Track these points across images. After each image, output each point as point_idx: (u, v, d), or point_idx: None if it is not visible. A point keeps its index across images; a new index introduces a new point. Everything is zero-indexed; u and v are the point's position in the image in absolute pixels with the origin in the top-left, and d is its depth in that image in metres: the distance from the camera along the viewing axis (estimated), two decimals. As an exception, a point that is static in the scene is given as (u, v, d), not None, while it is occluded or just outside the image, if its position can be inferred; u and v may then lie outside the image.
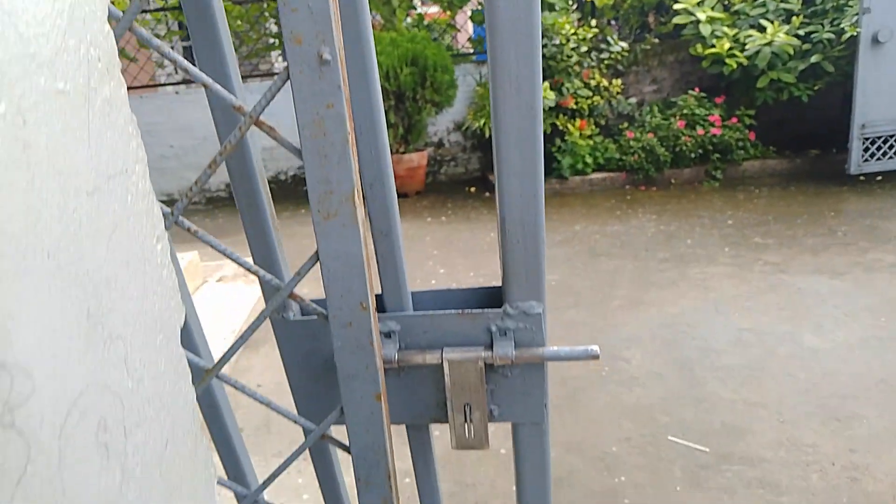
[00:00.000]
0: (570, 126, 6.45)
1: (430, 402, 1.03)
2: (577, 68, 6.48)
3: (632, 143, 6.38)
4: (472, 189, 6.92)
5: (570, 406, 3.27)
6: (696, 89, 6.63)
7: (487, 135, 6.38)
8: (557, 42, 6.32)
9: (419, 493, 1.14)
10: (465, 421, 1.01)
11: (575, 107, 6.49)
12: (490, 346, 0.93)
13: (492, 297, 1.01)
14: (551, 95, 6.27)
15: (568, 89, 6.39)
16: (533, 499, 1.06)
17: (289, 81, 0.68)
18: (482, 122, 6.55)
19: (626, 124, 6.81)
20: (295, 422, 0.90)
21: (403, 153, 6.25)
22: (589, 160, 6.35)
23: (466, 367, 0.95)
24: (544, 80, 6.30)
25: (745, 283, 4.19)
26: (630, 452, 2.90)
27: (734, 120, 6.36)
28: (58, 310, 0.37)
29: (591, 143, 6.46)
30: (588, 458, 2.85)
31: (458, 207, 6.18)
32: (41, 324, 0.35)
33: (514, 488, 1.07)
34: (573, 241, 5.12)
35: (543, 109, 6.17)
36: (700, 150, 6.27)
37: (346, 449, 0.89)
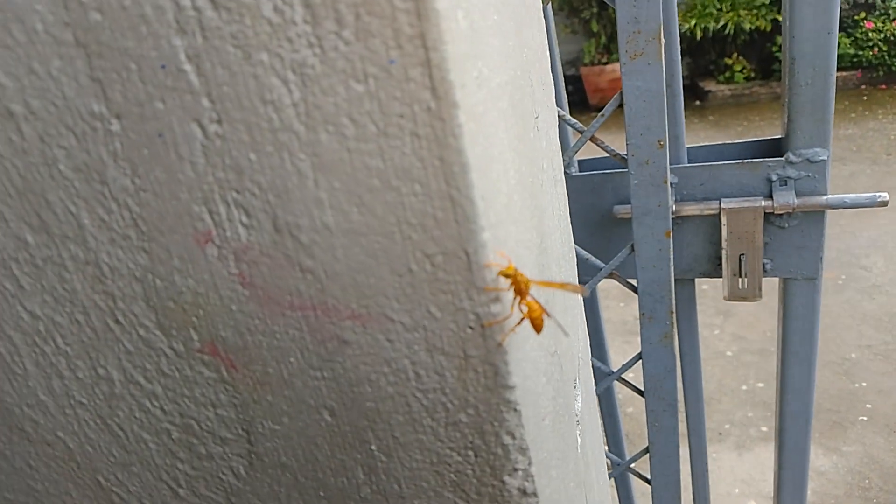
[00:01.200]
0: (796, 18, 5.75)
1: (701, 255, 1.09)
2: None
3: (871, 34, 5.55)
4: (679, 97, 6.51)
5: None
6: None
7: (699, 37, 5.91)
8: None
9: (680, 351, 1.22)
10: (739, 273, 1.05)
11: (802, -4, 5.75)
12: (769, 196, 0.96)
13: (767, 150, 1.03)
14: (774, -15, 5.63)
15: (795, -24, 5.67)
16: (800, 358, 1.08)
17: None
18: (692, 23, 6.08)
19: (863, 14, 5.91)
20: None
21: (606, 64, 6.06)
22: (818, 56, 5.65)
23: (744, 216, 0.99)
24: (766, -33, 5.64)
25: None
26: (871, 359, 2.74)
27: None
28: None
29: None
30: (825, 362, 2.74)
31: (664, 117, 5.87)
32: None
33: (777, 346, 1.10)
34: (800, 145, 4.69)
35: (762, 3, 5.58)
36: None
37: (633, 288, 1.00)
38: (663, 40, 0.83)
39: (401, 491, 0.49)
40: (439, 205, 0.40)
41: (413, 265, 0.41)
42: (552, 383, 0.56)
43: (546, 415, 0.52)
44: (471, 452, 0.46)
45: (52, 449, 0.56)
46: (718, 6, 5.65)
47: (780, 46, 5.87)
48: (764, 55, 5.89)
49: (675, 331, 1.01)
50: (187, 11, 0.37)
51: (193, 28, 0.38)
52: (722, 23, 5.65)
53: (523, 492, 0.47)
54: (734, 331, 3.07)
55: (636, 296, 1.09)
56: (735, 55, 5.99)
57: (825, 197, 0.94)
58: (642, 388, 1.08)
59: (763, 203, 0.96)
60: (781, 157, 0.94)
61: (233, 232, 0.43)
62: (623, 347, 3.10)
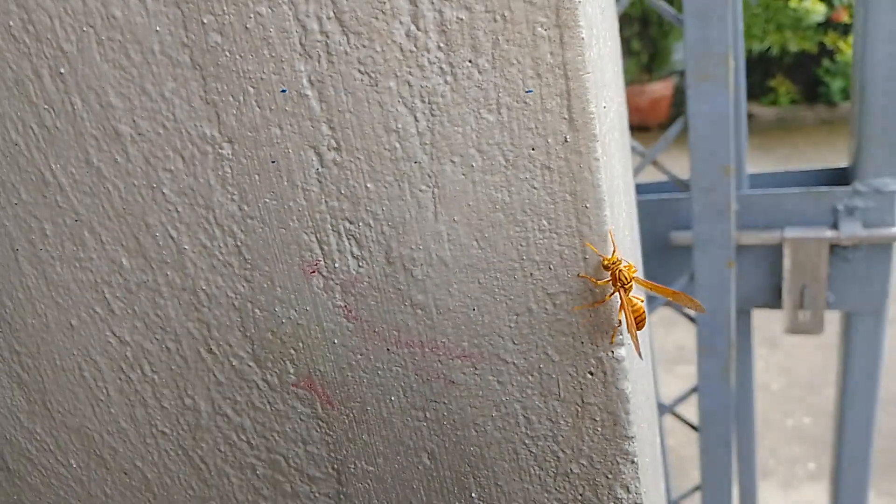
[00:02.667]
0: (841, 44, 5.67)
1: (760, 285, 1.04)
2: (853, -25, 5.61)
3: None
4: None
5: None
6: None
7: (754, 53, 5.79)
8: (830, -55, 5.52)
9: (736, 382, 1.17)
10: (800, 305, 1.00)
11: (849, 20, 5.66)
12: (834, 226, 0.92)
13: (831, 178, 0.99)
14: (819, 9, 5.54)
15: (840, 0, 5.59)
16: (860, 394, 1.03)
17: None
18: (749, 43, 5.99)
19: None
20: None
21: (646, 83, 6.01)
22: (865, 81, 5.54)
23: (808, 247, 0.94)
24: (811, -9, 5.56)
25: None
26: None
27: None
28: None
29: (868, 61, 5.60)
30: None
31: (703, 140, 5.78)
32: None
33: (837, 379, 1.05)
34: (846, 172, 4.58)
35: (809, 26, 5.50)
36: None
37: (691, 319, 0.96)
38: (732, 63, 0.80)
39: (500, 541, 0.46)
40: (567, 242, 0.37)
41: (533, 304, 0.39)
42: (651, 429, 0.53)
43: (649, 465, 0.49)
44: (580, 505, 0.43)
45: (129, 478, 0.54)
46: (763, 26, 5.58)
47: (826, 69, 5.78)
48: (810, 78, 5.80)
49: (733, 365, 0.97)
50: (314, 35, 0.36)
51: (319, 52, 0.36)
52: (766, 44, 5.58)
53: (635, 549, 0.43)
54: (780, 363, 2.98)
55: (678, 322, 1.05)
56: (779, 77, 5.90)
57: (895, 229, 0.89)
58: (693, 423, 1.03)
59: (828, 233, 0.91)
60: (847, 185, 0.90)
61: (342, 263, 0.41)
62: (664, 377, 3.02)
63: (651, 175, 1.10)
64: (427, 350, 0.42)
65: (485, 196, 0.37)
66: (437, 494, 0.46)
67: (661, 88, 6.06)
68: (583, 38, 0.33)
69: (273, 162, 0.40)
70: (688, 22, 0.78)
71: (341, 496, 0.48)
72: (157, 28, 0.38)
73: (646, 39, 5.86)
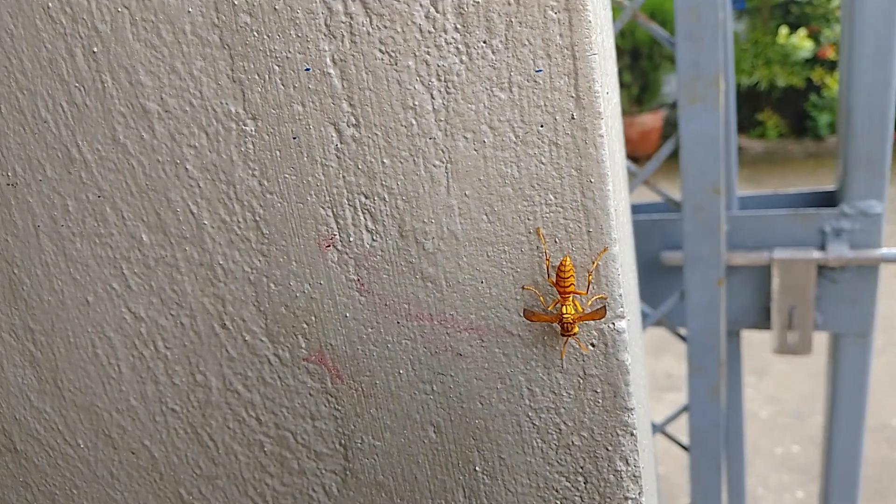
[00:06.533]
0: (828, 79, 5.81)
1: (748, 306, 1.06)
2: (837, 13, 5.78)
3: None
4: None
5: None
6: None
7: (743, 87, 5.92)
8: (816, -15, 5.69)
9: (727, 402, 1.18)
10: (789, 326, 1.02)
11: (835, 57, 5.81)
12: (822, 248, 0.94)
13: (819, 201, 1.02)
14: (807, 45, 5.70)
15: (827, 37, 5.74)
16: (847, 417, 1.04)
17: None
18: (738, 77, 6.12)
19: None
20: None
21: (636, 115, 6.11)
22: (851, 117, 5.66)
23: (796, 268, 0.97)
24: (798, 27, 5.72)
25: None
26: None
27: None
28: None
29: (854, 97, 5.74)
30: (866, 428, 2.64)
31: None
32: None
33: (825, 401, 1.06)
34: (834, 204, 4.65)
35: (797, 62, 5.63)
36: None
37: (682, 338, 0.98)
38: (722, 85, 0.83)
39: (502, 516, 0.47)
40: (572, 216, 0.39)
41: (539, 277, 0.41)
42: (645, 409, 0.55)
43: (646, 446, 0.51)
44: (580, 478, 0.45)
45: (136, 458, 0.55)
46: (752, 61, 5.71)
47: (813, 104, 5.91)
48: (798, 112, 5.92)
49: (723, 384, 0.99)
50: (339, 16, 0.38)
51: (343, 32, 0.39)
52: (755, 78, 5.70)
53: (633, 523, 0.45)
54: (769, 391, 2.99)
55: (668, 350, 1.07)
56: (768, 111, 6.02)
57: (881, 250, 0.91)
58: (684, 444, 1.04)
59: (816, 255, 0.94)
60: (835, 207, 0.92)
61: (356, 237, 0.43)
62: (653, 405, 3.02)
63: (642, 196, 1.12)
64: (436, 323, 0.43)
65: (495, 171, 0.39)
66: (441, 468, 0.47)
67: (651, 120, 6.16)
68: (590, 22, 0.36)
69: (294, 138, 0.42)
70: (679, 44, 0.81)
71: (347, 472, 0.50)
72: (190, 9, 0.40)
73: (636, 72, 5.99)
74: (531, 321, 0.41)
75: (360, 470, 0.49)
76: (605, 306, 0.40)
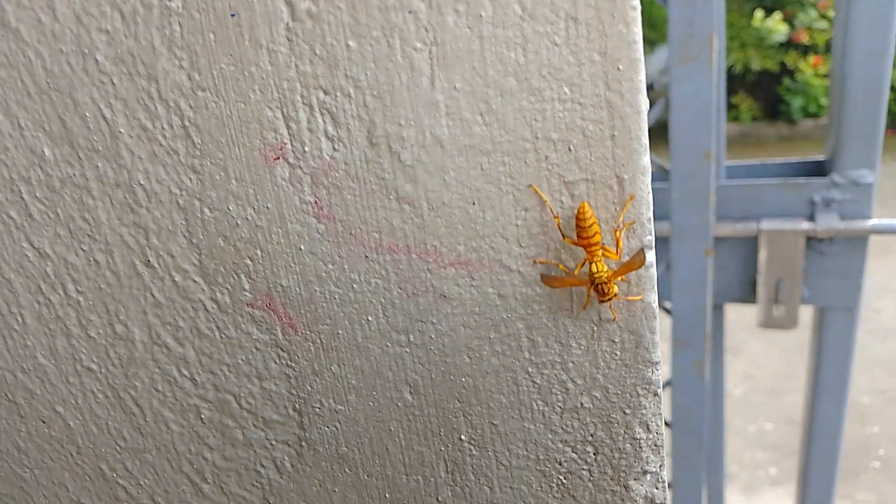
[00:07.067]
0: (801, 63, 5.83)
1: (733, 279, 1.01)
2: (813, -2, 5.79)
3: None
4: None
5: (816, 349, 3.09)
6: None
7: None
8: (792, -32, 5.69)
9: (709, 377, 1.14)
10: (775, 300, 0.98)
11: (808, 42, 5.83)
12: (811, 218, 0.90)
13: (809, 171, 0.98)
14: (782, 28, 5.70)
15: (801, 21, 5.75)
16: (830, 391, 1.01)
17: None
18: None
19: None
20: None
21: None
22: (824, 101, 5.71)
23: (785, 239, 0.92)
24: (773, 11, 5.72)
25: None
26: (884, 404, 2.69)
27: None
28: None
29: (826, 82, 5.78)
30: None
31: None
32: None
33: (808, 376, 1.02)
34: (806, 186, 4.70)
35: (771, 45, 5.64)
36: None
37: (667, 311, 0.91)
38: (716, 45, 0.77)
39: (491, 496, 0.39)
40: (592, 115, 0.31)
41: (546, 195, 0.32)
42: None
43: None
44: (589, 448, 0.36)
45: (47, 427, 0.45)
46: (727, 44, 5.70)
47: (787, 88, 5.93)
48: (771, 96, 5.93)
49: (708, 359, 0.93)
50: None
51: None
52: (729, 62, 5.69)
53: (651, 502, 0.37)
54: (743, 369, 2.99)
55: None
56: (742, 94, 6.02)
57: (871, 221, 0.87)
58: (666, 419, 0.99)
59: (805, 226, 0.90)
60: (825, 177, 0.88)
61: (313, 146, 0.34)
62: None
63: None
64: (414, 256, 0.35)
65: (494, 56, 0.30)
66: (418, 437, 0.39)
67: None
68: None
69: (233, 15, 0.32)
70: (672, 2, 0.75)
71: (303, 443, 0.41)
72: None
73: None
74: (554, 288, 0.33)
75: (319, 440, 0.40)
76: (643, 249, 0.32)
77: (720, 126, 0.95)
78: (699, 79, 0.77)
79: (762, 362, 3.02)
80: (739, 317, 3.05)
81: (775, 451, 2.56)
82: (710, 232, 0.87)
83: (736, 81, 5.98)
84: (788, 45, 5.92)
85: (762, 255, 0.96)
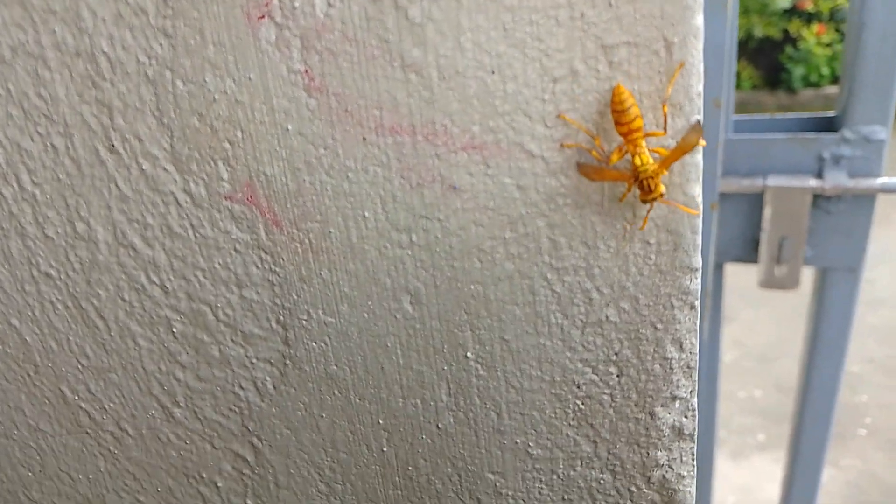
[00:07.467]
0: (804, 31, 5.73)
1: (735, 237, 0.98)
2: (820, -36, 5.67)
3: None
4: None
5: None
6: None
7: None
8: (800, -67, 5.55)
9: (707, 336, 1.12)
10: (777, 259, 0.96)
11: (813, 9, 5.73)
12: (819, 176, 0.87)
13: (818, 127, 0.95)
14: (787, -4, 5.59)
15: (807, -11, 5.64)
16: (828, 355, 0.99)
17: None
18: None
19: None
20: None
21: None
22: (825, 71, 5.62)
23: (791, 196, 0.89)
24: (780, -23, 5.61)
25: None
26: (873, 372, 2.72)
27: None
28: None
29: (829, 51, 5.70)
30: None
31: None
32: None
33: (805, 339, 1.00)
34: (803, 157, 4.68)
35: (775, 13, 5.55)
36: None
37: None
38: None
39: (498, 422, 0.34)
40: (640, -38, 0.25)
41: (579, 63, 0.27)
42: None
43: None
44: (613, 369, 0.32)
45: (1, 343, 0.41)
46: (730, 11, 5.61)
47: (789, 56, 5.85)
48: (772, 64, 5.84)
49: (707, 319, 0.91)
50: None
51: None
52: (732, 29, 5.60)
53: (679, 432, 0.33)
54: (734, 336, 2.99)
55: None
56: (743, 61, 5.93)
57: (881, 180, 0.84)
58: None
59: (812, 182, 0.87)
60: (835, 133, 0.85)
61: (304, 1, 0.28)
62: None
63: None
64: (420, 138, 0.30)
65: None
66: (418, 355, 0.34)
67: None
68: None
69: None
70: None
71: (287, 361, 0.36)
72: None
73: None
74: (593, 181, 0.28)
75: (305, 358, 0.36)
76: (699, 123, 0.27)
77: (731, 76, 0.91)
78: (713, 21, 0.72)
79: (754, 329, 3.02)
80: (733, 283, 3.05)
81: (764, 417, 2.58)
82: (717, 185, 0.83)
83: (738, 48, 5.90)
84: (792, 12, 5.82)
85: (767, 211, 0.93)
